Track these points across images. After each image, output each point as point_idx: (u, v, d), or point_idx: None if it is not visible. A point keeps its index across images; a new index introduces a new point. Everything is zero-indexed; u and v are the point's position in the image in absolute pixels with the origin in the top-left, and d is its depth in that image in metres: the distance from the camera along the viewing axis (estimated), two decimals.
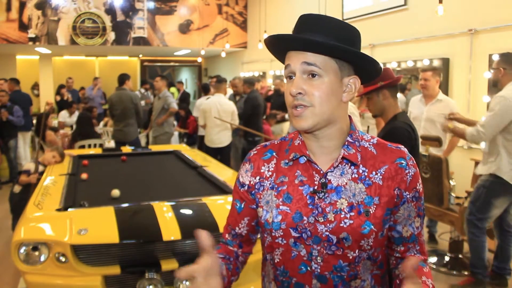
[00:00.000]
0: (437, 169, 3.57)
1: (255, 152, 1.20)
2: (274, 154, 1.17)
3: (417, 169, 1.12)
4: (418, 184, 1.11)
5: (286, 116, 7.07)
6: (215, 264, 1.01)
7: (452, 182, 3.79)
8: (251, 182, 1.16)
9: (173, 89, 11.17)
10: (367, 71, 1.11)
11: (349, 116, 1.13)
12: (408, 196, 1.09)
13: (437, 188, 3.61)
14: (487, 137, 3.18)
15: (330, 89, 1.04)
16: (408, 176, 1.08)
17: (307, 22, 1.07)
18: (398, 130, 2.44)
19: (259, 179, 1.15)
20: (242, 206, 1.19)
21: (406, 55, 5.86)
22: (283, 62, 1.15)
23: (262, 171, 1.15)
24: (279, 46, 1.10)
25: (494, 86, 3.33)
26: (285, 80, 1.10)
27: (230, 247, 1.23)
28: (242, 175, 1.20)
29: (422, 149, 3.60)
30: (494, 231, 3.49)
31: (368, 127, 3.90)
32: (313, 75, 1.03)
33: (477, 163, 4.36)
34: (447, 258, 3.84)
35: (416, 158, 2.61)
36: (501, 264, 3.43)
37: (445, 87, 5.25)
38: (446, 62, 5.23)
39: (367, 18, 6.62)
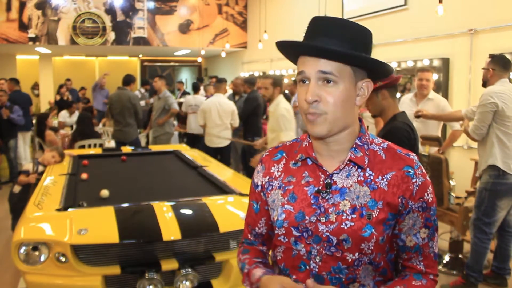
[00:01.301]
0: (437, 169, 3.57)
1: (267, 153, 1.23)
2: (284, 155, 1.19)
3: (427, 178, 1.09)
4: (426, 194, 1.08)
5: None
6: None
7: (452, 182, 3.79)
8: (263, 183, 1.20)
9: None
10: (379, 73, 1.12)
11: (360, 119, 1.13)
12: (413, 205, 1.07)
13: (437, 188, 3.61)
14: (483, 130, 3.22)
15: (345, 96, 1.04)
16: (414, 186, 1.06)
17: (320, 26, 1.06)
18: (398, 130, 2.44)
19: (268, 179, 1.18)
20: (258, 207, 1.22)
21: (406, 55, 5.86)
22: (294, 63, 1.15)
23: (272, 171, 1.18)
24: (291, 51, 1.09)
25: (483, 86, 3.38)
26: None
27: (256, 246, 1.27)
28: (255, 176, 1.23)
29: (421, 149, 3.60)
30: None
31: (368, 127, 3.89)
32: (328, 81, 1.03)
33: (477, 163, 4.37)
34: (447, 258, 3.84)
35: None
36: (501, 264, 3.43)
37: (445, 87, 5.25)
38: (446, 62, 5.23)
39: (367, 18, 6.61)
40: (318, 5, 7.42)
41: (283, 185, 1.14)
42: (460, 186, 4.31)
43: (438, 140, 3.73)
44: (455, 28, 5.07)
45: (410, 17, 5.85)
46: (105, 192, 2.95)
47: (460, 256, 3.82)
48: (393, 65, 5.98)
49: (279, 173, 1.16)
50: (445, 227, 4.26)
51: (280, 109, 4.06)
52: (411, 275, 1.13)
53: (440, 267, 3.78)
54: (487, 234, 3.24)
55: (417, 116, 3.80)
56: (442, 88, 5.22)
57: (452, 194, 3.69)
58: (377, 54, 6.43)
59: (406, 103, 4.19)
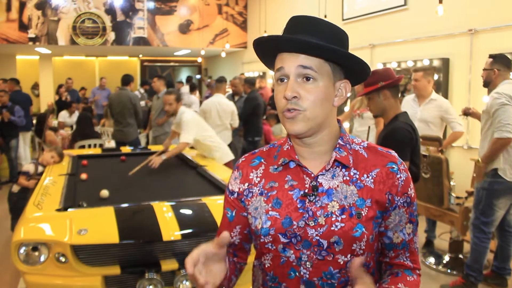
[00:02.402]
0: (437, 169, 3.57)
1: (244, 159, 1.19)
2: (262, 160, 1.15)
3: (409, 174, 1.10)
4: (409, 189, 1.09)
5: None
6: (219, 251, 1.01)
7: (452, 182, 3.79)
8: (240, 189, 1.15)
9: None
10: (357, 74, 1.10)
11: (338, 120, 1.12)
12: (399, 201, 1.08)
13: (437, 188, 3.61)
14: None
15: (324, 94, 1.02)
16: (399, 181, 1.07)
17: (299, 24, 1.04)
18: (399, 131, 2.44)
19: (247, 186, 1.14)
20: (234, 214, 1.18)
21: (406, 55, 5.86)
22: (268, 66, 1.12)
23: (250, 177, 1.14)
24: (271, 47, 1.06)
25: (485, 87, 3.35)
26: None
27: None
28: (231, 183, 1.19)
29: (421, 149, 3.60)
30: (494, 231, 3.49)
31: (369, 127, 3.89)
32: (308, 78, 1.01)
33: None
34: (447, 258, 3.84)
35: (417, 158, 2.61)
36: (501, 264, 3.43)
37: (445, 87, 5.25)
38: (446, 62, 5.23)
39: (367, 18, 6.61)
40: (318, 5, 7.42)
41: (265, 191, 1.10)
42: (460, 186, 4.31)
43: (439, 140, 3.73)
44: (455, 28, 5.07)
45: (410, 17, 5.85)
46: (105, 192, 2.95)
47: (460, 256, 3.82)
48: (393, 65, 5.99)
49: (259, 179, 1.12)
50: (445, 227, 4.26)
51: (184, 116, 4.31)
52: (402, 271, 1.12)
53: (440, 267, 3.78)
54: (486, 233, 3.24)
55: (467, 114, 3.73)
56: (442, 88, 5.22)
57: (452, 194, 3.69)
58: (377, 54, 6.43)
59: (408, 103, 4.20)
